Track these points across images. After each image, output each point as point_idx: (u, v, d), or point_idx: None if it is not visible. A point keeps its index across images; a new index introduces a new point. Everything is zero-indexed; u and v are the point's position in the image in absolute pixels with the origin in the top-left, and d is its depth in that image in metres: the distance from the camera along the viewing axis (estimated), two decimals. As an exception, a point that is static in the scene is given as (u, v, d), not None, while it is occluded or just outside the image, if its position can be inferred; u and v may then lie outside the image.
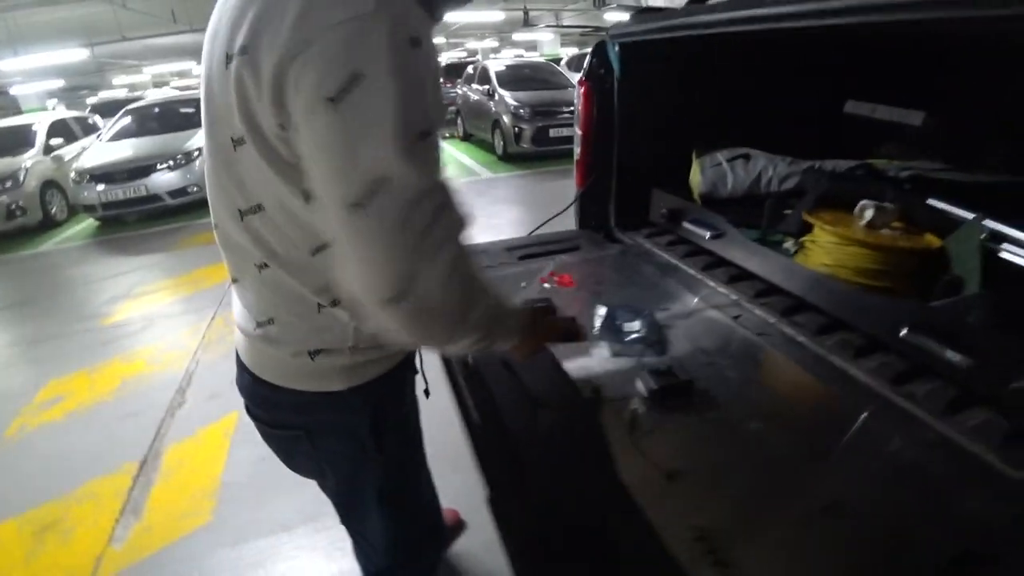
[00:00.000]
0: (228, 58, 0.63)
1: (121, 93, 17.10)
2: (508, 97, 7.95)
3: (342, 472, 0.93)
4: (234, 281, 0.84)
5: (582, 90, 1.92)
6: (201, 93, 0.73)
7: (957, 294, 1.17)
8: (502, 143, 8.18)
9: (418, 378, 1.03)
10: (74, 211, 7.21)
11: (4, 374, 3.43)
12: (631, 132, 1.92)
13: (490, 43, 20.23)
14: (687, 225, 1.73)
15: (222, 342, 3.34)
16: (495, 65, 9.23)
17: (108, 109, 9.64)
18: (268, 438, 0.93)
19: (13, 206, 6.64)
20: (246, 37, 0.61)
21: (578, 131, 2.00)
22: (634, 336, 1.21)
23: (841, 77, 2.03)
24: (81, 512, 2.10)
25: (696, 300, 1.49)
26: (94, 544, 1.94)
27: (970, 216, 1.34)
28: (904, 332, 1.07)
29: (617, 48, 1.81)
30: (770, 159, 1.84)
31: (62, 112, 9.09)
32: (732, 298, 1.48)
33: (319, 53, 0.56)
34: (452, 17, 11.36)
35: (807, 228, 1.46)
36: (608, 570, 0.74)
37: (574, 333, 0.98)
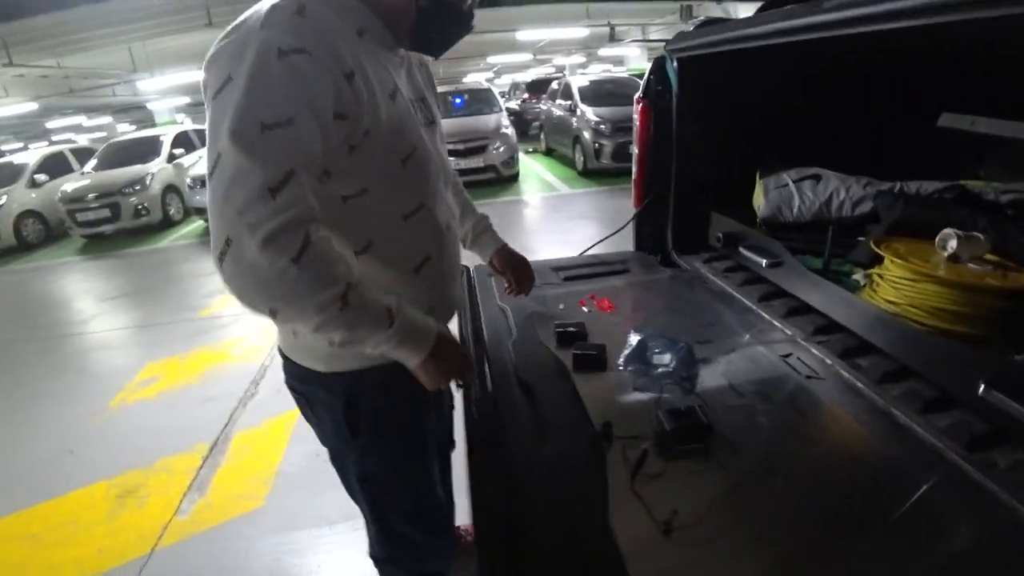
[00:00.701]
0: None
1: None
2: (590, 112, 7.94)
3: (330, 444, 1.04)
4: None
5: (639, 107, 1.88)
6: None
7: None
8: (582, 159, 8.18)
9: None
10: (188, 213, 8.02)
11: (116, 353, 3.87)
12: (690, 151, 1.85)
13: (577, 59, 20.29)
14: (743, 251, 1.62)
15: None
16: (578, 81, 9.26)
17: (225, 121, 10.64)
18: (297, 403, 1.06)
19: (140, 206, 7.52)
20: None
21: (635, 149, 1.96)
22: (662, 370, 1.13)
23: (935, 86, 1.77)
24: (157, 483, 2.32)
25: (745, 334, 1.37)
26: (163, 513, 2.13)
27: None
28: (982, 389, 0.90)
29: (675, 63, 1.76)
30: (843, 180, 1.69)
31: (185, 126, 10.18)
32: (787, 333, 1.34)
33: (213, 63, 0.74)
34: (536, 34, 11.53)
35: (877, 259, 1.30)
36: None
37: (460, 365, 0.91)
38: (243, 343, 3.63)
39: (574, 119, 8.41)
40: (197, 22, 7.03)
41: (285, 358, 1.01)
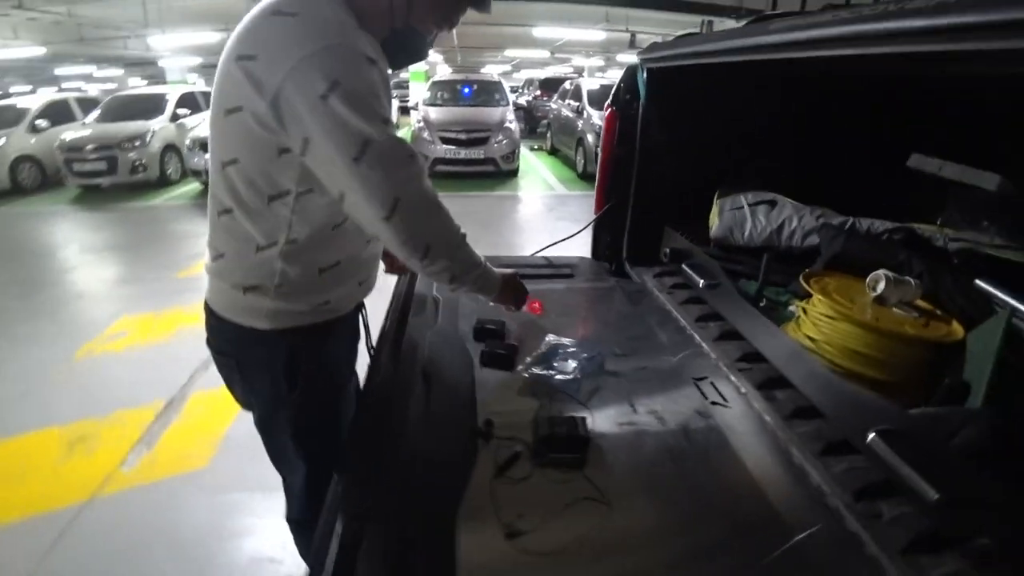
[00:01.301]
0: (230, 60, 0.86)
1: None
2: (596, 117, 7.96)
3: (262, 405, 1.09)
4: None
5: (607, 114, 1.91)
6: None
7: (958, 403, 0.98)
8: (583, 161, 8.20)
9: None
10: (185, 174, 8.02)
11: (91, 304, 3.91)
12: (652, 162, 1.87)
13: (596, 61, 20.25)
14: (685, 268, 1.65)
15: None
16: (589, 83, 9.27)
17: (233, 86, 10.65)
18: (217, 365, 1.12)
19: (137, 163, 7.52)
20: (247, 49, 0.84)
21: (600, 157, 1.99)
22: (560, 377, 1.14)
23: (910, 124, 1.73)
24: (108, 434, 2.37)
25: (669, 353, 1.35)
26: (109, 463, 2.18)
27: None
28: (871, 437, 0.86)
29: (645, 73, 1.79)
30: (797, 209, 1.70)
31: (195, 87, 10.16)
32: (712, 357, 1.32)
33: (296, 71, 0.80)
34: (553, 32, 11.52)
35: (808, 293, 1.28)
36: None
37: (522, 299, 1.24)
38: (216, 307, 3.66)
39: (580, 121, 8.43)
40: (212, -16, 7.02)
41: (220, 320, 1.04)
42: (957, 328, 1.10)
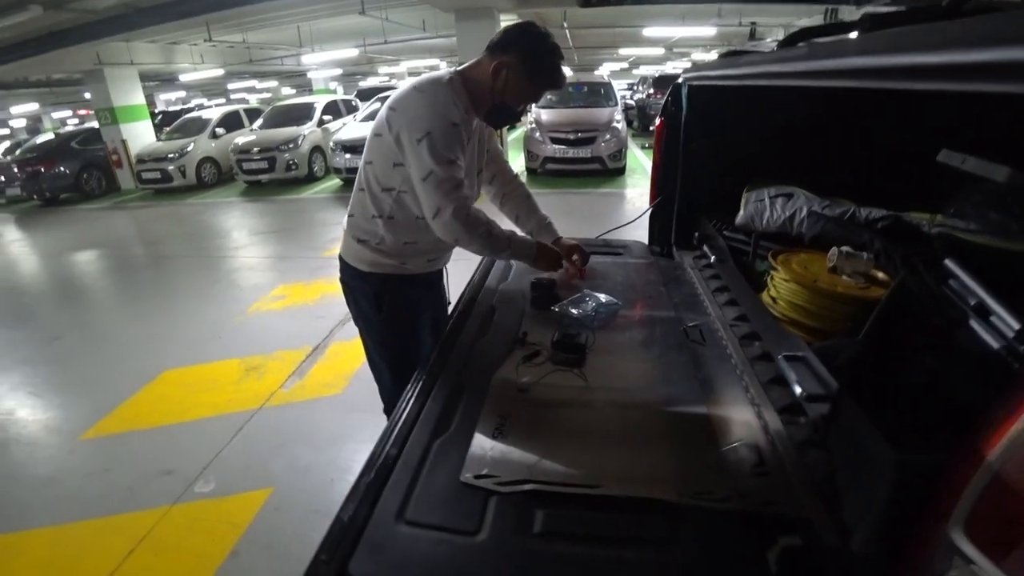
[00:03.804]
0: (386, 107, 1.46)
1: (379, 81, 20.77)
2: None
3: (363, 319, 1.65)
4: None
5: (657, 123, 2.30)
6: None
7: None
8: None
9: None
10: (328, 171, 9.32)
11: (256, 274, 4.95)
12: (692, 163, 2.23)
13: (715, 55, 19.61)
14: (706, 248, 2.00)
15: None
16: (697, 81, 9.23)
17: (366, 94, 12.04)
18: (344, 293, 1.67)
19: (291, 162, 8.91)
20: (394, 104, 1.43)
21: (653, 158, 2.38)
22: (581, 312, 1.56)
23: (941, 124, 1.84)
24: (272, 366, 3.19)
25: (674, 309, 1.69)
26: (273, 385, 2.98)
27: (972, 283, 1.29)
28: (779, 358, 1.25)
29: (687, 89, 2.15)
30: (809, 200, 1.97)
31: (334, 96, 11.64)
32: (709, 314, 1.65)
33: (413, 122, 1.37)
34: (663, 32, 11.52)
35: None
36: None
37: (557, 264, 1.71)
38: (349, 281, 4.51)
39: (684, 118, 8.44)
40: (351, 9, 8.12)
41: (343, 261, 1.62)
42: (883, 290, 1.41)
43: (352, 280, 1.63)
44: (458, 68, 1.51)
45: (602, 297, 1.69)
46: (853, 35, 1.65)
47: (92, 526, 2.16)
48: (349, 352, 3.28)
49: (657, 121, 2.32)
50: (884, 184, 1.97)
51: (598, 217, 6.38)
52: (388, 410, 1.79)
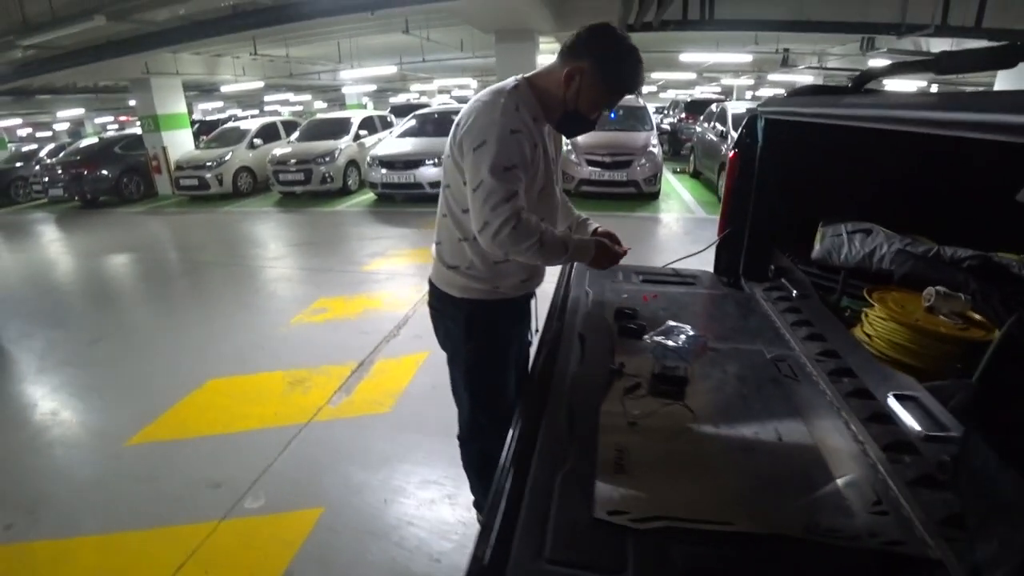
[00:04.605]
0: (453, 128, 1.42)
1: (413, 97, 21.13)
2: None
3: (451, 345, 1.62)
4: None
5: (731, 155, 2.26)
6: None
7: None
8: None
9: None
10: (363, 185, 9.44)
11: (297, 285, 4.99)
12: (765, 197, 2.18)
13: (745, 81, 19.64)
14: (784, 281, 1.96)
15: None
16: (734, 107, 9.20)
17: (401, 110, 12.25)
18: (431, 317, 1.65)
19: (326, 175, 9.05)
20: (460, 117, 1.41)
21: (724, 189, 2.34)
22: (673, 344, 1.54)
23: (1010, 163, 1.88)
24: (318, 380, 3.17)
25: (759, 343, 1.65)
26: (319, 399, 2.96)
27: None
28: (889, 399, 1.22)
29: (763, 121, 2.12)
30: (889, 237, 1.92)
31: (370, 111, 11.85)
32: (793, 349, 1.61)
33: (471, 131, 1.34)
34: (699, 57, 11.58)
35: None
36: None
37: (614, 260, 1.60)
38: (393, 296, 4.50)
39: (724, 146, 8.36)
40: (396, 27, 8.29)
41: (433, 286, 1.60)
42: (993, 333, 1.38)
43: (443, 306, 1.60)
44: (527, 75, 1.46)
45: (688, 329, 1.65)
46: (923, 81, 1.59)
47: (141, 537, 2.14)
48: (396, 370, 3.26)
49: (731, 152, 2.28)
50: (962, 222, 1.92)
51: (637, 241, 6.27)
52: (464, 437, 1.75)
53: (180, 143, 11.00)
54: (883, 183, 2.09)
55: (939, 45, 7.55)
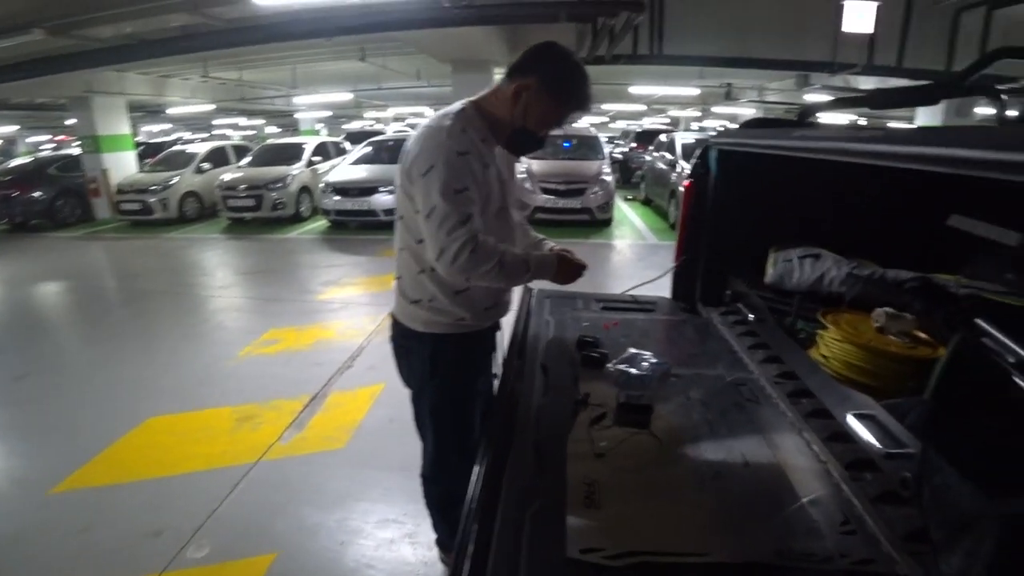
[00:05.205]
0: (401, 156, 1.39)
1: (368, 124, 21.05)
2: (688, 169, 8.25)
3: (416, 382, 1.57)
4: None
5: (685, 184, 2.33)
6: None
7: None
8: (675, 212, 8.48)
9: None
10: (316, 212, 9.24)
11: (246, 316, 4.79)
12: (719, 223, 2.25)
13: (692, 112, 20.55)
14: (740, 306, 2.01)
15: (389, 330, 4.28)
16: (683, 137, 9.61)
17: (356, 137, 12.15)
18: (393, 351, 1.60)
19: (278, 201, 8.82)
20: (405, 151, 1.38)
21: (680, 217, 2.40)
22: (636, 372, 1.50)
23: (951, 191, 1.78)
24: (268, 416, 3.01)
25: (720, 367, 1.69)
26: (270, 437, 2.81)
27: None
28: (848, 418, 1.26)
29: (716, 152, 2.19)
30: (837, 262, 2.01)
31: (324, 137, 11.71)
32: (753, 372, 1.66)
33: (418, 158, 1.31)
34: (648, 90, 12.06)
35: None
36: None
37: (577, 273, 1.59)
38: (348, 325, 4.37)
39: (673, 174, 8.71)
40: (352, 55, 8.27)
41: (396, 321, 1.56)
42: (939, 350, 1.45)
43: (406, 341, 1.54)
44: (474, 98, 1.45)
45: (650, 355, 1.66)
46: (857, 116, 1.70)
47: (69, 597, 1.95)
48: (351, 403, 3.14)
49: (685, 182, 2.35)
50: (902, 247, 2.03)
51: (591, 267, 6.36)
52: (427, 474, 1.68)
53: (123, 165, 10.50)
54: (827, 209, 2.19)
55: (867, 82, 8.13)
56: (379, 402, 3.10)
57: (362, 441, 2.77)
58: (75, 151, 10.83)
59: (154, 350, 4.09)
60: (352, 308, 4.82)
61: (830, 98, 1.92)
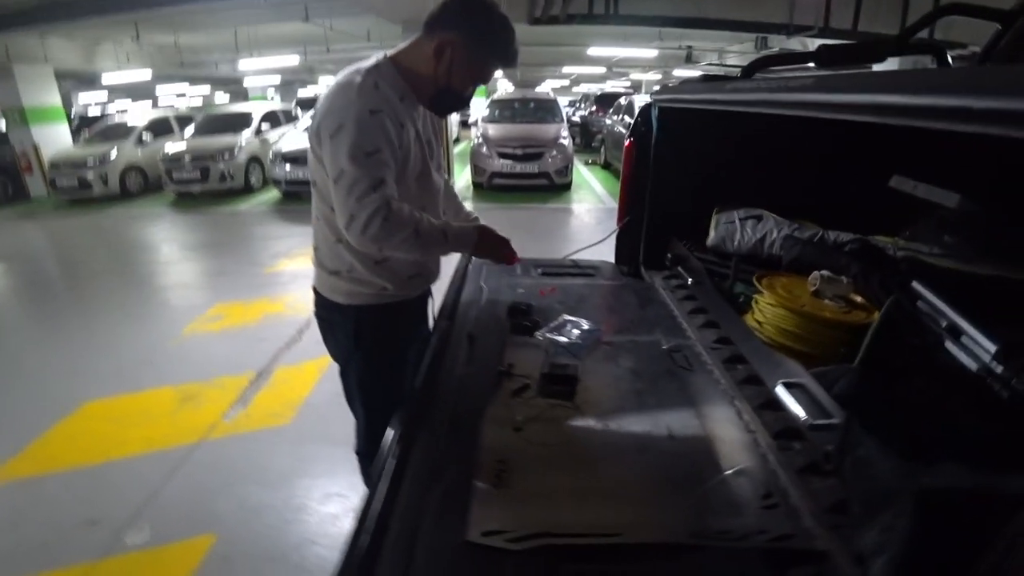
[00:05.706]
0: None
1: (317, 91, 20.20)
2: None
3: (342, 355, 1.51)
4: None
5: (627, 144, 2.28)
6: None
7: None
8: (632, 176, 8.47)
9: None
10: (266, 183, 8.89)
11: (192, 292, 4.60)
12: (661, 185, 2.21)
13: (653, 76, 20.40)
14: (680, 270, 1.98)
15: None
16: (641, 100, 9.54)
17: (307, 103, 11.62)
18: (319, 327, 1.53)
19: (226, 172, 8.44)
20: (315, 111, 1.27)
21: (621, 177, 2.35)
22: (565, 340, 1.50)
23: (894, 151, 1.89)
24: (211, 394, 2.92)
25: (657, 333, 1.64)
26: (213, 416, 2.72)
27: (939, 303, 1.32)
28: (778, 387, 1.22)
29: (656, 110, 2.14)
30: (778, 223, 2.00)
31: (274, 104, 11.18)
32: (690, 338, 1.61)
33: (326, 117, 1.21)
34: (606, 51, 11.87)
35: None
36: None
37: (506, 256, 1.49)
38: (296, 298, 4.23)
39: (632, 137, 8.67)
40: (296, 16, 7.83)
41: (317, 293, 1.49)
42: (874, 315, 1.41)
43: (328, 313, 1.47)
44: (389, 52, 1.34)
45: (583, 323, 1.62)
46: (810, 66, 1.67)
47: (-3, 592, 1.87)
48: (297, 378, 3.06)
49: (626, 141, 2.30)
50: (844, 208, 2.04)
51: (547, 232, 6.40)
52: (362, 450, 1.64)
53: (55, 139, 9.81)
54: (771, 169, 2.17)
55: (818, 44, 8.15)
56: (326, 376, 3.03)
57: (308, 416, 2.71)
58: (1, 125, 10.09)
59: (92, 332, 3.90)
60: (301, 280, 4.67)
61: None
